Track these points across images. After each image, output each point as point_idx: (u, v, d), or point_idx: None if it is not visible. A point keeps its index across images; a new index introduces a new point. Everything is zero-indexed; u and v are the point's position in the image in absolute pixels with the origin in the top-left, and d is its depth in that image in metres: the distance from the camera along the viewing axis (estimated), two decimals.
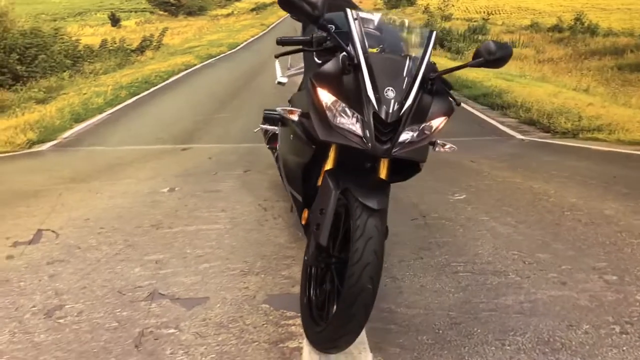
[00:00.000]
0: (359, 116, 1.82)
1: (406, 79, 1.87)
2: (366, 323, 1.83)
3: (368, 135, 1.80)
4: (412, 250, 2.71)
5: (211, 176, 3.97)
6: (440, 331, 2.12)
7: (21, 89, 4.48)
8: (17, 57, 3.49)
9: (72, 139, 6.07)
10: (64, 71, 6.80)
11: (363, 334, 2.08)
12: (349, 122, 1.83)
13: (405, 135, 1.83)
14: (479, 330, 2.12)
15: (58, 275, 2.49)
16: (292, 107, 2.29)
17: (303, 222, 2.26)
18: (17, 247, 2.71)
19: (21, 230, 2.88)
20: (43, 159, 4.88)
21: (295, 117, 2.04)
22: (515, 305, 2.28)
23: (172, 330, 2.11)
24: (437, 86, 1.95)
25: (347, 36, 1.94)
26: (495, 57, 1.94)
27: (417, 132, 1.86)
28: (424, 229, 2.93)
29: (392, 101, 1.81)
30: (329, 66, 1.92)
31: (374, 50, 2.09)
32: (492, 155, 4.13)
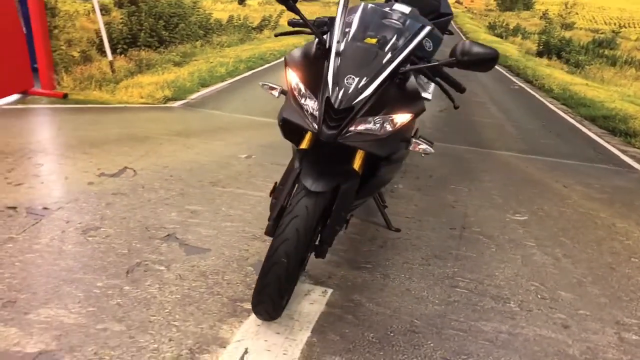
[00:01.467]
0: (315, 100, 1.87)
1: (374, 69, 1.87)
2: (285, 297, 1.90)
3: (317, 118, 1.85)
4: (424, 256, 2.62)
5: (287, 151, 4.19)
6: (392, 334, 2.08)
7: (163, 52, 5.09)
8: (164, 23, 4.06)
9: (198, 100, 6.76)
10: (197, 40, 7.50)
11: (315, 313, 2.15)
12: (308, 105, 1.89)
13: (358, 125, 1.83)
14: (432, 345, 2.04)
15: (113, 204, 2.93)
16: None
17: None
18: (101, 177, 3.24)
19: (113, 165, 3.42)
20: (170, 113, 5.57)
21: (275, 94, 2.14)
22: (490, 333, 2.13)
23: (162, 268, 2.39)
24: (410, 83, 1.91)
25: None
26: (470, 59, 1.82)
27: (373, 124, 1.85)
28: (454, 239, 2.80)
29: (349, 89, 1.82)
30: (304, 49, 1.99)
31: (373, 40, 2.09)
32: (594, 184, 3.65)
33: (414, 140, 2.01)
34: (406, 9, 2.33)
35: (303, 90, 1.90)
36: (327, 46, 1.92)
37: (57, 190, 3.04)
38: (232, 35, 5.50)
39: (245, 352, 1.95)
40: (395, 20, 2.23)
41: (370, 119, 1.84)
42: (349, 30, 2.02)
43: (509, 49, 3.44)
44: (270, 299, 1.86)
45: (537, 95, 3.58)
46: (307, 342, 2.02)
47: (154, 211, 2.88)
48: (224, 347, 1.97)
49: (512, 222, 3.00)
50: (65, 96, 4.63)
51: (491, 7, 3.61)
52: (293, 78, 1.94)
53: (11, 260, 2.38)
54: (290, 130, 2.01)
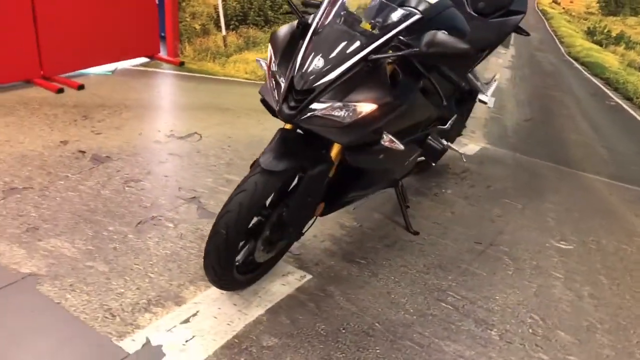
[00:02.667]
0: (283, 78, 1.88)
1: (342, 54, 1.82)
2: (228, 268, 1.95)
3: (279, 97, 1.86)
4: (427, 264, 2.49)
5: None
6: (344, 331, 2.04)
7: (267, 31, 5.12)
8: (270, 4, 4.17)
9: None
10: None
11: (280, 295, 2.18)
12: (279, 82, 1.90)
13: (317, 107, 1.80)
14: (378, 351, 1.97)
15: (164, 163, 3.20)
16: None
17: None
18: (168, 137, 3.54)
19: (185, 128, 3.71)
20: None
21: (265, 69, 2.16)
22: (448, 355, 1.99)
23: (169, 225, 2.58)
24: (382, 72, 1.82)
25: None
26: (435, 50, 1.70)
27: (337, 110, 1.80)
28: (472, 254, 2.60)
29: (314, 70, 1.80)
30: (288, 27, 1.98)
31: (367, 26, 2.03)
32: None
33: (385, 134, 1.92)
34: None
35: (275, 68, 1.92)
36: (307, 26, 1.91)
37: (126, 143, 3.38)
38: None
39: (195, 314, 2.05)
40: (412, 7, 2.13)
41: (332, 104, 1.80)
42: (343, 13, 1.98)
43: (608, 59, 3.01)
44: (212, 267, 1.93)
45: (636, 116, 3.11)
46: (256, 318, 2.07)
47: (195, 175, 3.09)
48: (179, 306, 2.09)
49: (551, 249, 2.70)
50: (181, 64, 5.07)
51: (592, 10, 3.15)
52: (270, 55, 1.96)
53: (55, 195, 2.73)
54: (269, 107, 2.04)
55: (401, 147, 1.92)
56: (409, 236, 2.70)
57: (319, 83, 1.80)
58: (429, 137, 2.34)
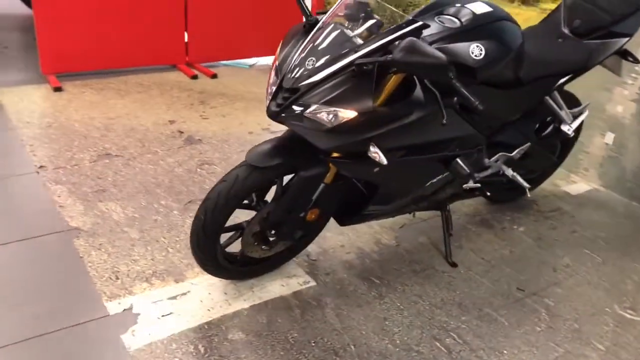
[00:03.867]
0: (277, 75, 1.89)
1: (333, 56, 1.77)
2: (203, 254, 2.02)
3: (269, 94, 1.87)
4: (446, 299, 2.28)
5: None
6: (313, 345, 2.00)
7: None
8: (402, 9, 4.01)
9: None
10: None
11: (273, 294, 2.20)
12: (272, 79, 1.92)
13: (299, 108, 1.78)
14: None
15: (243, 152, 3.38)
16: None
17: None
18: (263, 131, 3.72)
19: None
20: None
21: None
22: None
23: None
24: (368, 78, 1.72)
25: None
26: (408, 60, 1.57)
27: (320, 112, 1.76)
28: (505, 299, 2.30)
29: (304, 70, 1.79)
30: (297, 26, 1.97)
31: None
32: None
33: (372, 145, 1.81)
34: (481, 8, 2.01)
35: (277, 64, 1.93)
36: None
37: (222, 130, 3.65)
38: None
39: (185, 293, 2.17)
40: (451, 16, 1.98)
41: (315, 106, 1.76)
42: (353, 15, 1.92)
43: None
44: (194, 250, 2.02)
45: None
46: (237, 311, 2.12)
47: None
48: (177, 283, 2.23)
49: (608, 315, 2.27)
50: None
51: None
52: (277, 51, 1.98)
53: (136, 165, 3.08)
54: None
55: (384, 161, 1.80)
56: (445, 267, 2.49)
57: (304, 83, 1.78)
58: (458, 158, 2.13)
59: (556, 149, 2.91)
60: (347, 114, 1.74)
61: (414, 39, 1.62)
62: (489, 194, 2.67)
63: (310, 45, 1.86)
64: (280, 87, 1.85)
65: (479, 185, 2.56)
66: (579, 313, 2.28)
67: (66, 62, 4.25)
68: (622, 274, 2.56)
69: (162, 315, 2.04)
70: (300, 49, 1.87)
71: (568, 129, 2.60)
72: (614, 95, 3.19)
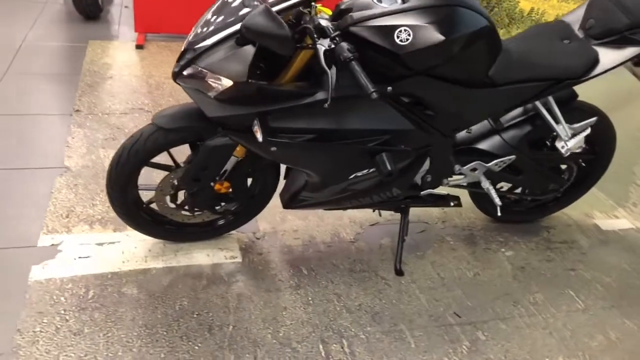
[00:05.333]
0: None
1: (226, 21, 1.74)
2: (115, 205, 2.09)
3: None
4: (362, 305, 2.12)
5: None
6: (180, 320, 2.00)
7: None
8: (485, 4, 3.49)
9: None
10: (501, 29, 5.60)
11: (188, 257, 2.23)
12: None
13: (189, 71, 1.78)
14: (166, 349, 1.88)
15: None
16: None
17: None
18: None
19: None
20: None
21: None
22: None
23: None
24: (248, 49, 1.66)
25: None
26: (252, 29, 1.50)
27: (207, 78, 1.74)
28: (430, 322, 2.06)
29: (200, 33, 1.80)
30: None
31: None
32: None
33: (256, 120, 1.74)
34: None
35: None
36: None
37: None
38: (522, 26, 4.35)
39: (113, 242, 2.30)
40: None
41: (200, 69, 1.75)
42: None
43: None
44: (110, 203, 2.11)
45: None
46: (146, 269, 2.20)
47: None
48: (113, 232, 2.36)
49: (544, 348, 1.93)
50: None
51: None
52: None
53: None
54: None
55: (259, 138, 1.71)
56: (388, 273, 2.31)
57: (196, 47, 1.77)
58: (384, 153, 1.94)
59: (565, 171, 2.51)
60: (224, 82, 1.70)
61: (267, 7, 1.52)
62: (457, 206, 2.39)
63: (214, 9, 1.84)
64: (185, 49, 1.85)
65: (443, 193, 2.33)
66: (508, 357, 1.97)
67: (156, 23, 4.61)
68: (597, 327, 2.15)
69: (80, 257, 2.19)
70: (209, 13, 1.85)
71: (563, 146, 2.22)
72: None
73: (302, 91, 1.78)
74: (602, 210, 2.89)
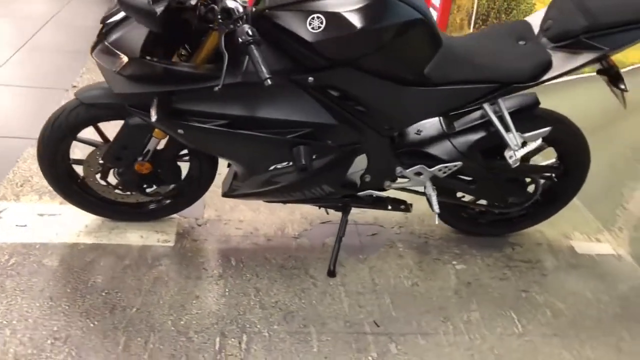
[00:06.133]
0: None
1: None
2: (44, 174, 2.12)
3: None
4: (281, 302, 2.04)
5: None
6: (81, 287, 2.00)
7: None
8: (505, 6, 3.20)
9: None
10: None
11: (120, 236, 2.25)
12: None
13: (100, 46, 1.78)
14: (63, 321, 1.88)
15: None
16: None
17: None
18: None
19: None
20: None
21: None
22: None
23: None
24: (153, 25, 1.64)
25: None
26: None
27: (109, 52, 1.74)
28: (348, 329, 1.94)
29: (113, 7, 1.80)
30: None
31: None
32: None
33: (155, 100, 1.72)
34: None
35: None
36: None
37: None
38: None
39: (54, 214, 2.36)
40: None
41: (104, 44, 1.75)
42: None
43: None
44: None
45: None
46: (77, 243, 2.22)
47: None
48: (60, 204, 2.40)
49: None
50: None
51: None
52: None
53: None
54: None
55: (152, 118, 1.68)
56: (320, 273, 2.22)
57: (107, 22, 1.77)
58: (302, 146, 1.86)
59: (530, 185, 2.32)
60: (122, 58, 1.69)
61: None
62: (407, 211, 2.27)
63: None
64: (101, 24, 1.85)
65: (383, 195, 2.21)
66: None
67: None
68: (528, 354, 1.96)
69: (17, 225, 2.25)
70: None
71: (511, 156, 2.04)
72: None
73: (207, 73, 1.73)
74: (584, 232, 2.65)
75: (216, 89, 1.60)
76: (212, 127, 1.80)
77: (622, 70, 1.99)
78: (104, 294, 2.00)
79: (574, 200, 2.43)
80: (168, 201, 2.31)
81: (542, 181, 2.34)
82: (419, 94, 1.90)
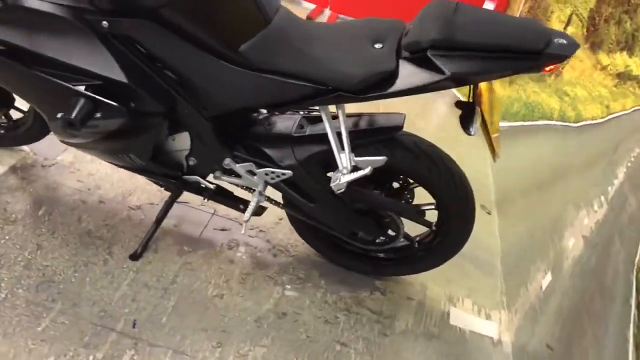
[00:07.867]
0: None
1: None
2: None
3: None
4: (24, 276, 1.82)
5: None
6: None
7: None
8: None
9: None
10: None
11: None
12: None
13: None
14: None
15: None
16: None
17: None
18: None
19: None
20: None
21: None
22: None
23: None
24: None
25: None
26: None
27: None
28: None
29: None
30: None
31: None
32: None
33: None
34: None
35: None
36: None
37: None
38: None
39: None
40: None
41: None
42: None
43: None
44: None
45: None
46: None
47: None
48: None
49: None
50: None
51: None
52: None
53: None
54: None
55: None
56: (123, 253, 1.96)
57: None
58: (81, 97, 1.60)
59: (390, 222, 1.91)
60: None
61: None
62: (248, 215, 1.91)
63: None
64: None
65: (211, 184, 1.91)
66: None
67: None
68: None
69: None
70: None
71: (335, 179, 1.65)
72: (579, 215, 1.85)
73: None
74: (478, 302, 2.17)
75: None
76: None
77: (575, 125, 1.53)
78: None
79: (494, 262, 1.98)
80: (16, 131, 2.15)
81: (401, 224, 1.91)
82: (233, 73, 1.56)
